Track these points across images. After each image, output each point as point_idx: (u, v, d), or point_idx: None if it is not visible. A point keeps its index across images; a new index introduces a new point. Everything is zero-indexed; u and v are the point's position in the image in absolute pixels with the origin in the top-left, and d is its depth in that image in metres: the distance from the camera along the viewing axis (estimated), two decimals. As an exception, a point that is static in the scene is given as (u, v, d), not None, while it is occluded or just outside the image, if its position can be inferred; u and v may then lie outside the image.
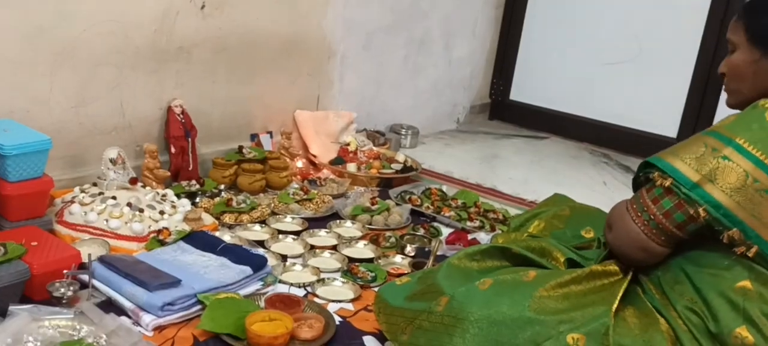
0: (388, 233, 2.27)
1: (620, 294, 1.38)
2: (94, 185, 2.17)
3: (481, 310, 1.36)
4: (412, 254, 2.14)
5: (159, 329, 1.62)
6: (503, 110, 4.07)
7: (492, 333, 1.34)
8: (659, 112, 3.55)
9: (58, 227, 1.98)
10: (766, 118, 1.34)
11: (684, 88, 3.49)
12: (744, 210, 1.30)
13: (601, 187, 3.10)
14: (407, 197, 2.62)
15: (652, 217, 1.36)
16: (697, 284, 1.36)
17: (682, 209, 1.34)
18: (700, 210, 1.31)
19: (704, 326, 1.33)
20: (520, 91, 4.01)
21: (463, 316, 1.37)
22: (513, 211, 2.59)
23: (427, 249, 2.15)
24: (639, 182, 1.45)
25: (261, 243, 2.11)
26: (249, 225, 2.22)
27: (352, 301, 1.86)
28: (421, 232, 2.32)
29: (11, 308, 1.54)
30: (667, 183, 1.34)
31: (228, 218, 2.23)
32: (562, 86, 3.87)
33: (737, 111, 1.43)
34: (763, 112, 1.35)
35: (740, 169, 1.30)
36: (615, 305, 1.34)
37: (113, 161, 2.15)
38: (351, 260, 2.08)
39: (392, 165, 2.92)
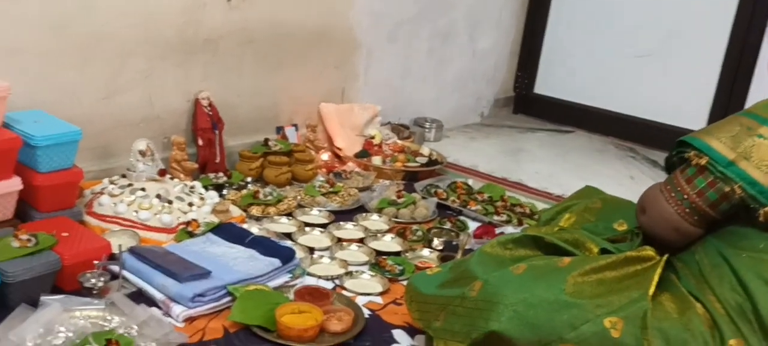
0: (414, 227, 2.26)
1: (656, 279, 1.36)
2: (123, 176, 2.18)
3: (516, 294, 1.34)
4: (440, 247, 2.13)
5: (189, 320, 1.63)
6: (527, 104, 4.03)
7: (528, 316, 1.32)
8: (687, 104, 3.49)
9: (88, 218, 1.99)
10: None
11: (713, 80, 3.42)
12: None
13: (628, 181, 3.06)
14: (433, 190, 2.61)
15: (685, 197, 1.38)
16: (736, 267, 1.36)
17: (715, 188, 1.35)
18: (736, 187, 1.33)
19: (743, 311, 1.32)
20: (545, 85, 3.97)
21: (498, 299, 1.35)
22: (540, 205, 2.57)
23: (454, 243, 2.14)
24: (672, 163, 1.47)
25: (288, 235, 2.11)
26: (276, 217, 2.22)
27: (380, 294, 1.85)
28: (448, 225, 2.31)
29: (43, 298, 1.54)
30: (703, 161, 1.36)
31: (255, 210, 2.23)
32: (587, 79, 3.82)
33: None
34: None
35: None
36: (651, 290, 1.33)
37: (142, 153, 2.16)
38: (378, 253, 2.07)
39: (417, 158, 2.90)
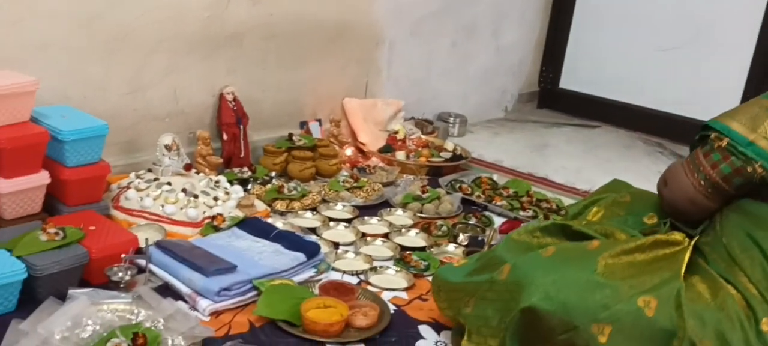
0: (439, 222, 2.24)
1: (686, 260, 1.36)
2: (149, 170, 2.19)
3: (546, 275, 1.32)
4: (465, 243, 2.11)
5: (215, 314, 1.63)
6: (552, 98, 3.99)
7: (559, 296, 1.30)
8: (716, 99, 3.39)
9: (115, 212, 2.00)
10: None
11: (742, 74, 3.36)
12: None
13: (656, 177, 2.98)
14: (458, 185, 2.58)
15: (702, 170, 1.43)
16: (766, 248, 1.36)
17: (728, 161, 1.40)
18: (757, 166, 1.36)
19: None
20: (570, 79, 3.92)
21: (528, 281, 1.33)
22: (567, 201, 2.53)
23: (480, 238, 2.12)
24: (696, 147, 1.50)
25: (313, 230, 2.10)
26: (300, 212, 2.22)
27: (405, 289, 1.84)
28: (473, 221, 2.29)
29: (70, 291, 1.55)
30: (724, 143, 1.40)
31: (280, 205, 2.23)
32: (613, 73, 3.77)
33: None
34: None
35: None
36: (682, 270, 1.33)
37: (168, 147, 2.17)
38: (403, 248, 2.05)
39: (441, 153, 2.88)
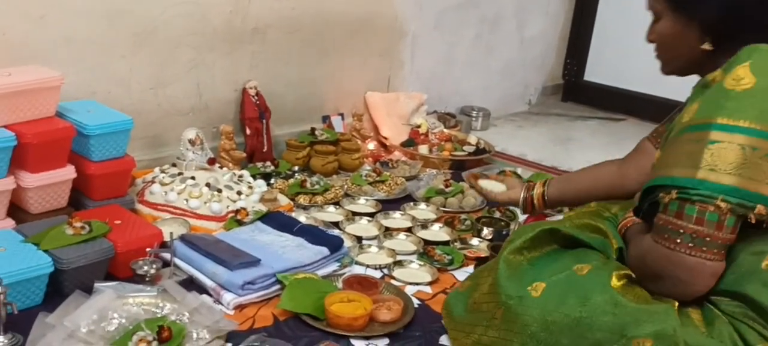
0: (463, 216, 2.23)
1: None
2: (173, 165, 2.20)
3: (537, 321, 1.32)
4: (490, 236, 2.09)
5: (240, 307, 1.63)
6: (577, 91, 3.94)
7: (551, 341, 1.30)
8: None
9: (140, 206, 2.02)
10: (726, 87, 1.23)
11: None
12: (757, 182, 1.19)
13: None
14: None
15: (691, 234, 1.21)
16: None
17: (708, 211, 1.20)
18: (719, 203, 1.19)
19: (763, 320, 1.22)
20: (595, 71, 3.87)
21: (519, 329, 1.33)
22: (592, 194, 2.50)
23: (504, 232, 2.10)
24: (644, 214, 1.34)
25: (336, 224, 2.10)
26: (323, 206, 2.21)
27: (429, 284, 1.82)
28: (498, 215, 2.27)
29: (97, 285, 1.56)
30: (674, 195, 1.22)
31: (302, 199, 2.23)
32: (639, 65, 3.66)
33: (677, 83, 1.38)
34: (722, 85, 1.25)
35: (734, 145, 1.19)
36: (676, 304, 1.26)
37: (192, 142, 2.18)
38: (426, 242, 2.04)
39: (464, 147, 2.86)
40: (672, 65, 1.46)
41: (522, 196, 1.88)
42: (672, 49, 1.43)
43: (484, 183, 2.01)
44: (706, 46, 1.36)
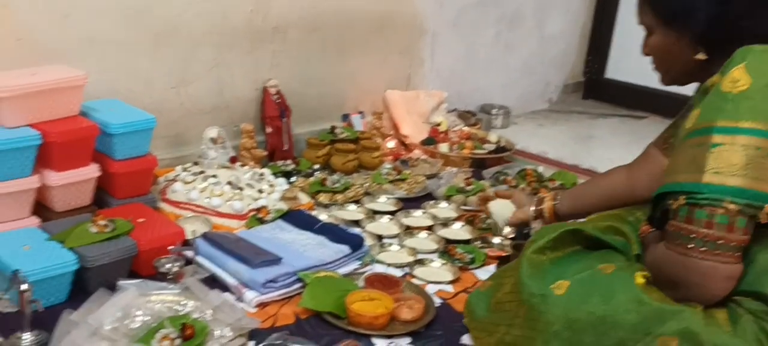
0: (484, 215, 2.21)
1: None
2: (195, 163, 2.21)
3: (560, 319, 1.30)
4: (512, 235, 2.07)
5: (261, 305, 1.63)
6: (598, 89, 3.90)
7: (574, 339, 1.28)
8: None
9: (162, 205, 2.03)
10: (723, 90, 1.23)
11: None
12: (763, 182, 1.17)
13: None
14: (502, 177, 2.55)
15: (703, 238, 1.20)
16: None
17: (718, 214, 1.19)
18: (727, 205, 1.17)
19: None
20: (617, 69, 3.83)
21: (542, 328, 1.32)
22: (614, 193, 2.47)
23: (525, 231, 2.08)
24: (657, 222, 1.33)
25: (356, 223, 2.10)
26: (343, 205, 2.21)
27: (451, 282, 1.82)
28: (519, 213, 2.25)
29: (120, 282, 1.57)
30: (682, 201, 1.21)
31: (323, 198, 2.23)
32: (662, 62, 3.66)
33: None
34: (719, 89, 1.24)
35: (737, 146, 1.18)
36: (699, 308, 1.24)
37: (213, 140, 2.19)
38: (447, 241, 2.03)
39: (484, 145, 2.85)
40: (670, 76, 1.47)
41: (532, 211, 1.86)
42: (667, 62, 1.44)
43: (493, 208, 1.99)
44: (701, 56, 1.37)
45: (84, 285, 1.59)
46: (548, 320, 1.32)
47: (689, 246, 1.22)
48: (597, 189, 1.80)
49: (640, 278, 1.29)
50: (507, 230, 2.09)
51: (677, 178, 1.25)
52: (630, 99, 3.76)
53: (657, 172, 1.55)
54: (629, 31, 3.72)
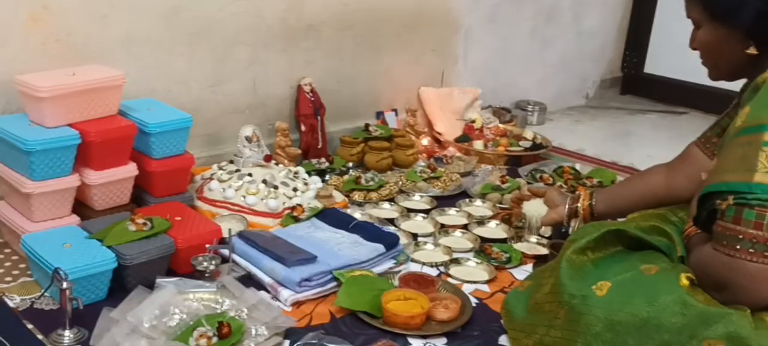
0: (517, 216, 2.18)
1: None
2: (231, 162, 2.22)
3: (601, 321, 1.27)
4: (548, 234, 2.04)
5: (297, 304, 1.63)
6: (636, 84, 3.83)
7: (616, 341, 1.25)
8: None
9: (199, 203, 2.04)
10: None
11: None
12: None
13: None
14: (538, 175, 2.51)
15: (751, 240, 1.17)
16: None
17: (763, 212, 1.16)
18: None
19: None
20: (656, 63, 3.75)
21: (583, 329, 1.29)
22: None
23: (563, 229, 2.04)
24: (702, 223, 1.29)
25: (391, 221, 2.09)
26: (378, 203, 2.20)
27: (487, 282, 1.79)
28: (556, 212, 2.21)
29: (158, 280, 1.59)
30: (731, 201, 1.18)
31: (357, 196, 2.22)
32: (702, 57, 3.58)
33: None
34: None
35: None
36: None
37: (249, 139, 2.20)
38: (483, 240, 2.01)
39: (520, 142, 2.81)
40: (718, 71, 1.45)
41: (566, 209, 1.82)
42: (716, 56, 1.42)
43: (527, 207, 1.96)
44: (752, 51, 1.34)
45: (123, 283, 1.61)
46: (589, 322, 1.29)
47: (737, 248, 1.19)
48: (634, 189, 1.77)
49: (684, 280, 1.26)
50: (544, 229, 2.07)
51: (725, 177, 1.21)
52: (670, 94, 3.69)
53: (698, 172, 1.51)
54: (669, 24, 3.67)
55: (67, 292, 1.43)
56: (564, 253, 1.44)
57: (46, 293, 1.60)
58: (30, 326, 1.49)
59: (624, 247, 1.44)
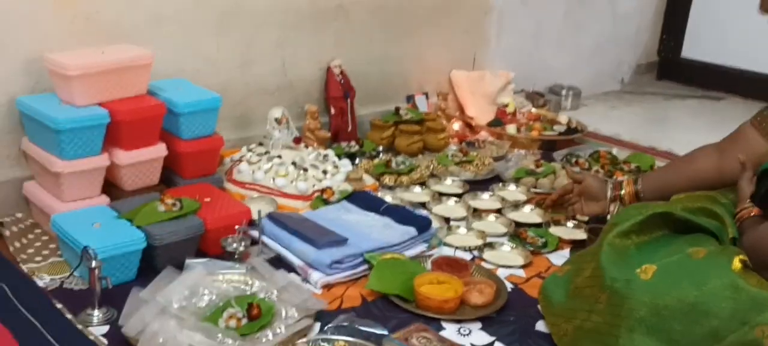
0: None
1: None
2: (260, 144, 2.19)
3: (646, 305, 1.22)
4: (585, 219, 1.98)
5: (327, 286, 1.60)
6: (674, 69, 3.72)
7: (661, 326, 1.19)
8: None
9: (228, 185, 2.02)
10: None
11: None
12: None
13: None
14: (573, 159, 2.45)
15: None
16: None
17: None
18: None
19: None
20: (694, 48, 3.65)
21: (626, 314, 1.24)
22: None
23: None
24: (761, 199, 1.26)
25: (422, 205, 2.04)
26: (409, 187, 2.16)
27: (522, 267, 1.74)
28: (593, 197, 2.15)
29: (188, 261, 1.56)
30: None
31: (388, 179, 2.18)
32: (742, 39, 3.46)
33: None
34: None
35: None
36: None
37: (278, 121, 2.17)
38: (517, 224, 1.96)
39: (554, 127, 2.74)
40: None
41: (609, 196, 1.75)
42: None
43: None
44: None
45: (152, 263, 1.59)
46: (632, 306, 1.24)
47: None
48: (682, 172, 1.70)
49: (737, 263, 1.19)
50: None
51: None
52: (707, 79, 3.59)
53: (752, 152, 1.44)
54: (708, 7, 3.56)
55: (96, 270, 1.42)
56: (605, 236, 1.38)
57: (75, 273, 1.58)
58: (59, 306, 1.48)
59: (669, 230, 1.38)
